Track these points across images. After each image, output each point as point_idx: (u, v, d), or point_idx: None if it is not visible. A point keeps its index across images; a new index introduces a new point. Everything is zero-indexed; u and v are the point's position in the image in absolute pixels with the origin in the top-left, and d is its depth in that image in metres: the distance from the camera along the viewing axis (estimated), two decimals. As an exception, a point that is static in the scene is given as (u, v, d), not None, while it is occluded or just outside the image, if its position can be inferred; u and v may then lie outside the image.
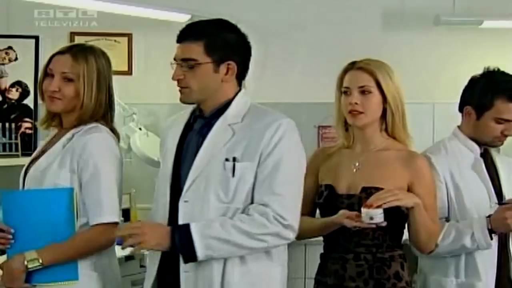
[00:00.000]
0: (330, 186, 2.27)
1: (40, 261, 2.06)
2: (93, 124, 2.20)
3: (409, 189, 2.21)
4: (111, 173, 2.15)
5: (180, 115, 2.16)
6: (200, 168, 1.97)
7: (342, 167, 2.29)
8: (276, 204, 1.91)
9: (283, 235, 1.93)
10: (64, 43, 3.80)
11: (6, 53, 3.74)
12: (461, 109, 2.51)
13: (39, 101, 3.64)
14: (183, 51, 1.99)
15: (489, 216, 2.33)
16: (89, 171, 2.11)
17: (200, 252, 1.89)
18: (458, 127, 2.52)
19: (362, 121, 2.24)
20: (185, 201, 1.97)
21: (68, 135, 2.20)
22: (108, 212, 2.11)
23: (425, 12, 3.93)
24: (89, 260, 2.13)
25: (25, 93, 3.75)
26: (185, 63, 1.98)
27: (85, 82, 2.16)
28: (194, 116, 2.09)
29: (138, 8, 3.50)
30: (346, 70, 2.30)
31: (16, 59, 3.75)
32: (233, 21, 2.06)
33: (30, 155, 2.41)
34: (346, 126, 2.33)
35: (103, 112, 2.22)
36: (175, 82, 2.02)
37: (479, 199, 2.41)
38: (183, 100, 2.04)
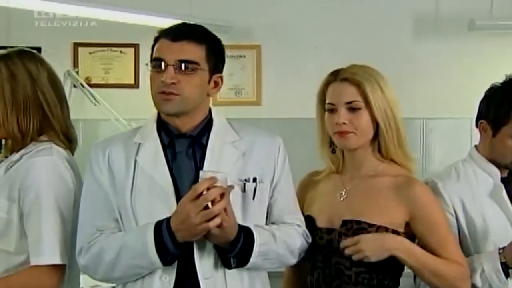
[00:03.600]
0: (310, 217, 1.95)
1: None
2: (45, 145, 1.91)
3: (409, 225, 1.87)
4: (55, 205, 1.84)
5: (119, 137, 1.86)
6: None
7: (327, 196, 1.97)
8: (300, 222, 1.89)
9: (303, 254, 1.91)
10: (67, 54, 3.72)
11: (8, 65, 3.55)
12: (477, 124, 2.13)
13: None
14: (183, 51, 1.73)
15: (502, 248, 1.94)
16: (30, 201, 1.83)
17: (253, 258, 1.74)
18: (475, 146, 2.14)
19: (352, 142, 1.91)
20: None
21: (16, 156, 1.92)
22: (47, 252, 1.81)
23: (459, 17, 3.68)
24: None
25: None
26: (184, 66, 1.72)
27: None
28: (171, 135, 1.80)
29: (145, 17, 3.27)
30: (328, 82, 1.96)
31: None
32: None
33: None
34: (332, 147, 2.00)
35: (51, 126, 1.93)
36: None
37: (498, 233, 2.00)
38: (167, 109, 1.74)
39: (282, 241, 1.79)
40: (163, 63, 1.72)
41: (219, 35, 3.43)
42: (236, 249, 1.70)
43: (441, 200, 1.98)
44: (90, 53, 3.70)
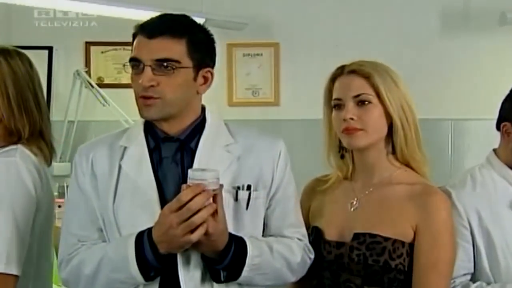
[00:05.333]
0: (317, 229, 1.78)
1: None
2: (12, 146, 1.80)
3: (414, 237, 1.68)
4: (10, 210, 1.70)
5: (105, 139, 1.71)
6: None
7: (337, 205, 1.79)
8: (301, 236, 1.71)
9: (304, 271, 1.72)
10: (80, 53, 3.62)
11: (18, 65, 3.47)
12: (498, 126, 1.91)
13: (52, 118, 3.51)
14: (160, 49, 1.55)
15: None
16: None
17: (245, 272, 1.57)
18: (494, 150, 1.91)
19: (362, 140, 1.71)
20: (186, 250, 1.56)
21: None
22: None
23: (489, 10, 3.48)
24: None
25: None
26: (162, 66, 1.55)
27: None
28: (157, 139, 1.65)
29: (155, 14, 3.10)
30: (334, 77, 1.78)
31: None
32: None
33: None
34: (342, 151, 1.81)
35: (28, 129, 1.82)
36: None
37: None
38: (149, 115, 1.59)
39: (279, 254, 1.62)
40: (141, 64, 1.56)
41: (233, 33, 3.36)
42: (226, 260, 1.53)
43: (454, 213, 1.76)
44: (102, 52, 3.58)
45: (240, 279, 1.56)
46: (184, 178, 1.55)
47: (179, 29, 1.58)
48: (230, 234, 1.53)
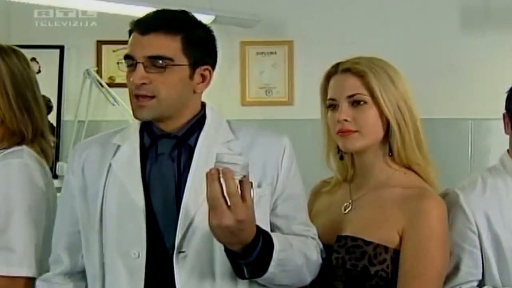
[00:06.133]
0: None
1: None
2: (16, 147, 1.77)
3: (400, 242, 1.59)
4: (28, 211, 1.69)
5: (100, 138, 1.68)
6: (195, 204, 1.50)
7: (334, 208, 1.73)
8: (313, 235, 1.63)
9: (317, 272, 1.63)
10: (91, 52, 3.58)
11: (30, 65, 3.46)
12: None
13: (63, 118, 3.49)
14: (153, 46, 1.50)
15: None
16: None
17: (271, 268, 1.46)
18: (508, 151, 1.81)
19: (357, 143, 1.64)
20: (182, 252, 1.50)
21: None
22: (17, 262, 1.66)
23: (510, 7, 3.36)
24: None
25: (47, 109, 3.41)
26: (155, 63, 1.50)
27: None
28: (154, 136, 1.59)
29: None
30: (329, 75, 1.72)
31: (39, 71, 3.48)
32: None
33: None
34: (341, 152, 1.73)
35: (31, 129, 1.79)
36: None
37: None
38: (142, 116, 1.54)
39: (299, 250, 1.53)
40: (134, 61, 1.50)
41: (246, 31, 3.29)
42: (254, 254, 1.42)
43: (462, 216, 1.67)
44: (113, 51, 3.52)
45: (265, 275, 1.46)
46: (180, 176, 1.52)
47: (174, 25, 1.53)
48: (258, 227, 1.43)
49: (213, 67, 1.62)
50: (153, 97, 1.50)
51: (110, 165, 1.58)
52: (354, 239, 1.60)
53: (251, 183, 1.47)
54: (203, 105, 1.63)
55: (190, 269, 1.49)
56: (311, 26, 3.48)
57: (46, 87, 3.36)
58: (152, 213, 1.52)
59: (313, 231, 1.63)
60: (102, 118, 3.42)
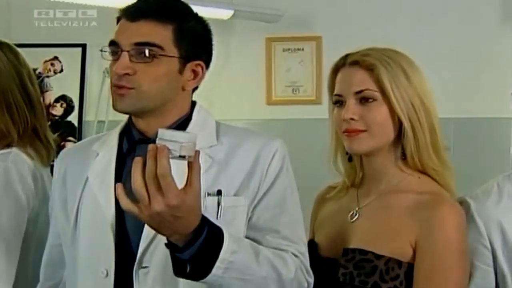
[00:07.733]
0: (312, 243, 1.56)
1: None
2: (5, 150, 1.67)
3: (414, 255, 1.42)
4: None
5: (83, 144, 1.59)
6: None
7: (339, 216, 1.56)
8: (296, 252, 1.41)
9: None
10: None
11: (52, 64, 3.47)
12: None
13: (84, 118, 3.41)
14: (141, 33, 1.37)
15: None
16: None
17: (216, 270, 1.25)
18: None
19: (364, 144, 1.48)
20: (144, 268, 1.36)
21: None
22: None
23: None
24: None
25: (69, 109, 3.45)
26: (142, 51, 1.36)
27: None
28: (132, 141, 1.46)
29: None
30: (336, 68, 1.56)
31: (61, 70, 3.46)
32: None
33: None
34: (349, 153, 1.57)
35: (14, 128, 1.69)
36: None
37: None
38: (122, 107, 1.39)
39: (268, 261, 1.33)
40: (119, 49, 1.37)
41: (272, 26, 3.15)
42: (193, 247, 1.21)
43: (473, 229, 1.49)
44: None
45: (209, 278, 1.24)
46: None
47: (167, 13, 1.40)
48: (205, 218, 1.23)
49: (207, 64, 1.49)
50: (132, 88, 1.37)
51: (87, 177, 1.46)
52: (363, 252, 1.43)
53: (220, 190, 1.33)
54: (194, 105, 1.50)
55: (151, 286, 1.35)
56: (340, 21, 3.32)
57: (68, 87, 3.42)
58: (123, 228, 1.39)
59: (299, 249, 1.42)
60: (122, 118, 3.31)
